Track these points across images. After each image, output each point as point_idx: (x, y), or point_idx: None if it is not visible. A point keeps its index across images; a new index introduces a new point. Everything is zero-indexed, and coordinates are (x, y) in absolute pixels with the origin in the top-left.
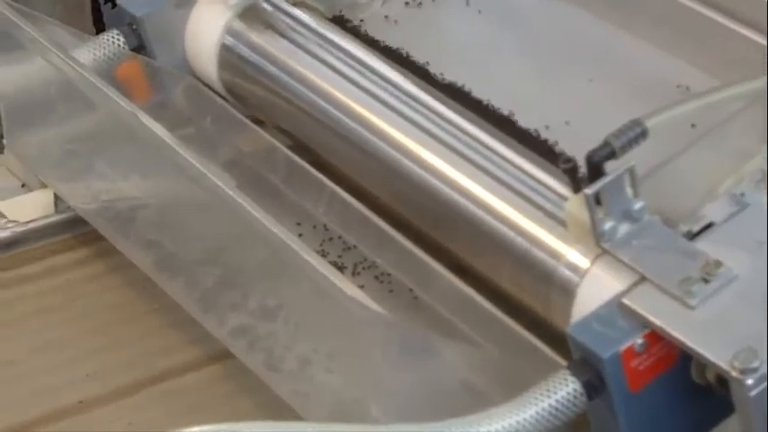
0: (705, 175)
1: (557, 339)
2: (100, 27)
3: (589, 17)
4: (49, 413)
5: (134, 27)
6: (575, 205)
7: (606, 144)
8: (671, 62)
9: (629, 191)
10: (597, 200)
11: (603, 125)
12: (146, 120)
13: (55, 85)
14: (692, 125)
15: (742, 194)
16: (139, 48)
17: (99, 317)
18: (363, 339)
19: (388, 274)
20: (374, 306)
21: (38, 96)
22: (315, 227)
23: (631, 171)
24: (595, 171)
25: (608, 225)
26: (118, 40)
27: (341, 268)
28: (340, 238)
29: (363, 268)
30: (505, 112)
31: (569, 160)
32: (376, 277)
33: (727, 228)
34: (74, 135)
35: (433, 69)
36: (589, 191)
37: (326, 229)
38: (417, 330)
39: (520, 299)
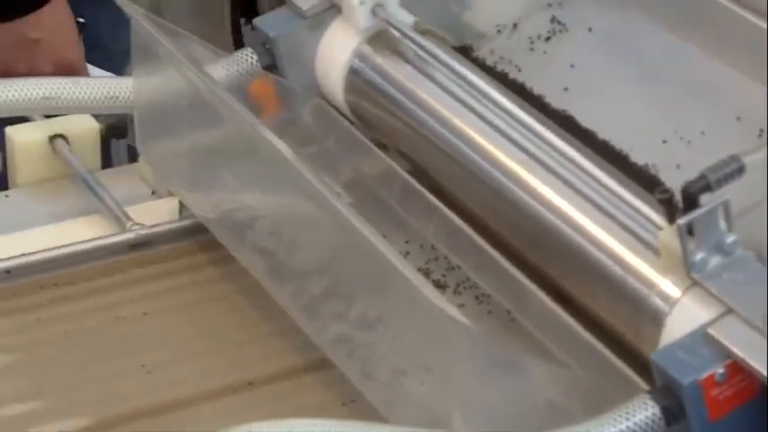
0: None
1: (647, 369)
2: (239, 45)
3: (713, 62)
4: (157, 405)
5: (267, 46)
6: (668, 235)
7: (702, 177)
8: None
9: (722, 224)
10: (690, 231)
11: None
12: (269, 136)
13: (187, 98)
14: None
15: None
16: (272, 67)
17: (208, 320)
18: (454, 353)
19: (488, 296)
20: (466, 321)
21: (170, 108)
22: (422, 246)
23: (725, 205)
24: (690, 202)
25: (699, 256)
26: (251, 58)
27: (443, 287)
28: (445, 258)
29: (465, 288)
30: (617, 147)
31: (666, 191)
32: (476, 297)
33: None
34: (201, 147)
35: (551, 102)
36: (682, 221)
37: (433, 249)
38: (507, 347)
39: (612, 325)
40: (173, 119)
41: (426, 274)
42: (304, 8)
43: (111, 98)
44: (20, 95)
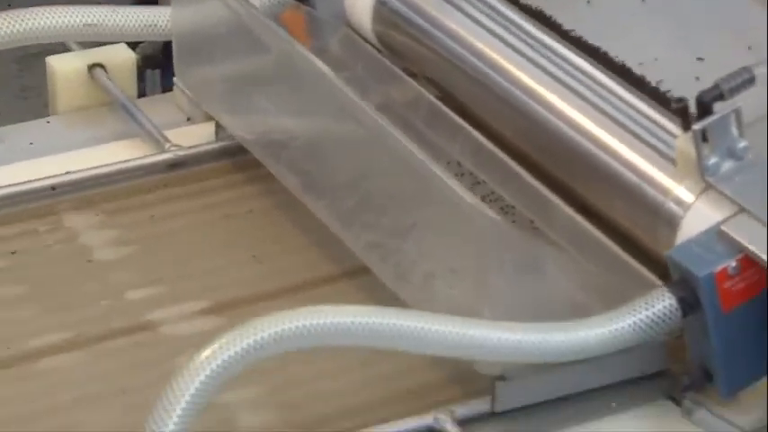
0: None
1: (665, 274)
2: None
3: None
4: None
5: None
6: (684, 142)
7: (715, 86)
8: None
9: (734, 130)
10: (704, 137)
11: None
12: (309, 56)
13: (226, 25)
14: None
15: None
16: None
17: (248, 234)
18: (483, 246)
19: (512, 207)
20: (495, 215)
21: (208, 35)
22: (449, 163)
23: (737, 112)
24: (704, 110)
25: (713, 161)
26: None
27: None
28: (471, 174)
29: (490, 201)
30: (636, 70)
31: (682, 100)
32: (501, 209)
33: None
34: (239, 71)
35: (576, 32)
36: (697, 127)
37: (459, 166)
38: (533, 240)
39: (631, 232)
40: (210, 45)
41: None
42: None
43: (150, 26)
44: (63, 22)
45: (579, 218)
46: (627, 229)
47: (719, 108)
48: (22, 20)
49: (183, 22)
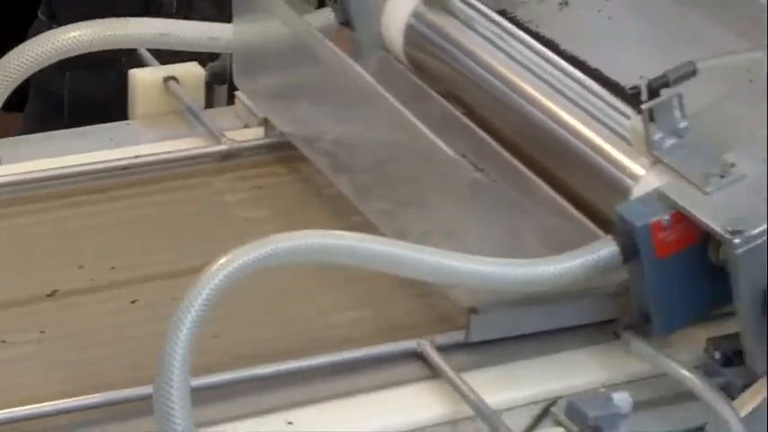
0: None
1: None
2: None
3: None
4: None
5: (342, 5)
6: (635, 123)
7: (663, 75)
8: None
9: (677, 112)
10: (652, 117)
11: None
12: (354, 66)
13: (281, 40)
14: (750, 81)
15: None
16: (346, 22)
17: (284, 209)
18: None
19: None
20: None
21: (264, 48)
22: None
23: (680, 97)
24: (652, 94)
25: (658, 136)
26: (328, 14)
27: None
28: (472, 164)
29: None
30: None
31: (635, 88)
32: None
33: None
34: (288, 79)
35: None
36: (645, 106)
37: (464, 156)
38: (507, 190)
39: (594, 205)
40: (265, 57)
41: None
42: None
43: (214, 38)
44: (140, 30)
45: (557, 196)
46: (593, 203)
47: (666, 93)
48: (111, 26)
49: (244, 36)
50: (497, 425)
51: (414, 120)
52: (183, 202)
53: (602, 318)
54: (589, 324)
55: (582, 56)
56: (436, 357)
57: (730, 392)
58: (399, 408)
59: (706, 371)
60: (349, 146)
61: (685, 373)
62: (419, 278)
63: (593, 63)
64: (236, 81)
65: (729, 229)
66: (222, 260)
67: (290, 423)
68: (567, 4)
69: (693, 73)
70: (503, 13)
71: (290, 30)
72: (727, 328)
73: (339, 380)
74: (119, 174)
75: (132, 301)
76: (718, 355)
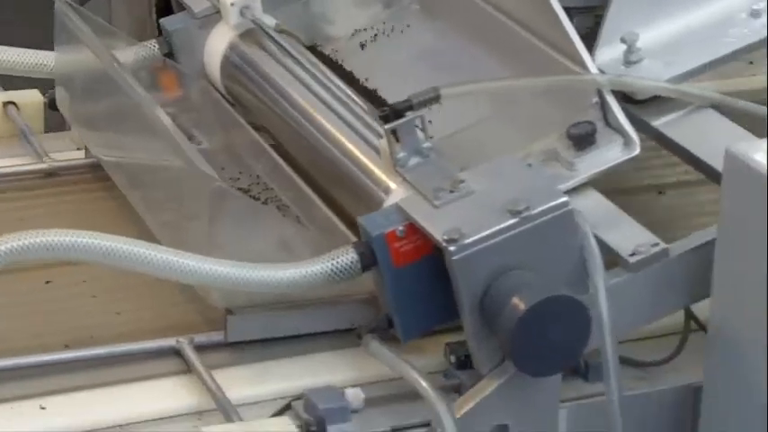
0: (503, 145)
1: None
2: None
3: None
4: None
5: (167, 39)
6: (384, 141)
7: (408, 99)
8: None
9: (420, 134)
10: (396, 137)
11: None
12: (143, 96)
13: (93, 72)
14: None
15: (529, 165)
16: (170, 54)
17: (92, 214)
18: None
19: (287, 206)
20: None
21: (81, 78)
22: (250, 175)
23: (422, 119)
24: (397, 116)
25: (402, 155)
26: (154, 46)
27: (257, 198)
28: (265, 183)
29: (270, 200)
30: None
31: (384, 109)
32: (278, 207)
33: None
34: (94, 107)
35: (367, 82)
36: (388, 126)
37: (258, 177)
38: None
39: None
40: (80, 85)
41: (247, 190)
42: (195, 11)
43: (39, 65)
44: None
45: (326, 209)
46: (354, 212)
47: (410, 115)
48: None
49: (63, 64)
50: (231, 414)
51: (179, 141)
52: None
53: (354, 324)
54: (345, 329)
55: (371, 85)
56: (191, 354)
57: (463, 393)
58: (150, 399)
59: (445, 374)
60: (138, 167)
61: (414, 375)
62: (170, 278)
63: (383, 92)
64: (59, 106)
65: (446, 237)
66: None
67: (44, 408)
68: (375, 39)
69: (437, 98)
70: (312, 48)
71: (98, 60)
72: None
73: (97, 372)
74: None
75: None
76: (453, 359)
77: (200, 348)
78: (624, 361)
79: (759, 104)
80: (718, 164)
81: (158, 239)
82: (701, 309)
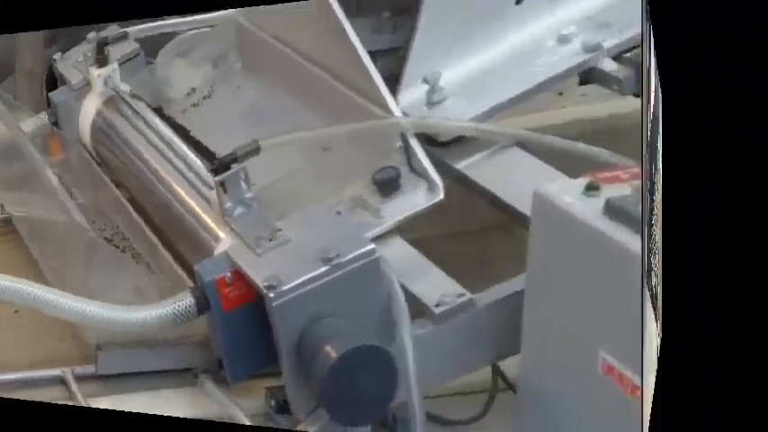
0: (317, 193)
1: None
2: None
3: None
4: None
5: (54, 110)
6: (215, 193)
7: (232, 152)
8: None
9: (243, 185)
10: (224, 188)
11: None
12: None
13: (5, 141)
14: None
15: (339, 212)
16: (56, 123)
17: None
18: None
19: (140, 254)
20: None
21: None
22: (113, 227)
23: (245, 171)
24: (224, 168)
25: (228, 205)
26: (44, 117)
27: (118, 247)
28: (122, 234)
29: (128, 249)
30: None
31: (214, 164)
32: (132, 255)
33: (304, 216)
34: (7, 170)
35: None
36: (216, 179)
37: (118, 228)
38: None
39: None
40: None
41: (111, 240)
42: (72, 83)
43: None
44: None
45: (164, 251)
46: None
47: (235, 167)
48: None
49: None
50: None
51: (63, 198)
52: None
53: (191, 364)
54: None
55: (205, 141)
56: (72, 383)
57: None
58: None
59: (266, 417)
60: (36, 221)
61: (240, 416)
62: (50, 314)
63: (213, 146)
64: None
65: (266, 284)
66: None
67: None
68: (209, 97)
69: (257, 150)
70: (158, 109)
71: (8, 131)
72: None
73: None
74: None
75: None
76: (273, 403)
77: (79, 378)
78: (432, 419)
79: (568, 139)
80: (523, 206)
81: (50, 284)
82: (510, 366)
